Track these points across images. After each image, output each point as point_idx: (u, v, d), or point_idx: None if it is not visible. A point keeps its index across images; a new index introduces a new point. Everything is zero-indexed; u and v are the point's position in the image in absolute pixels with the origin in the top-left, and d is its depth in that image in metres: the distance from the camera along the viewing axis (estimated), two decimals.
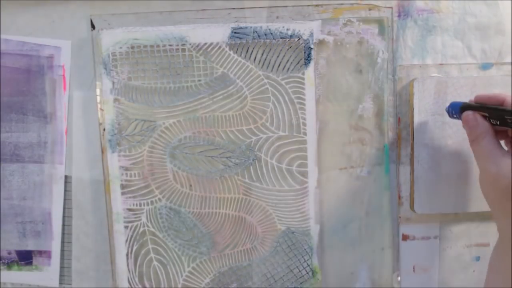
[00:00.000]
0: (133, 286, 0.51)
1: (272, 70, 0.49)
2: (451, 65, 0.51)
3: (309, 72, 0.49)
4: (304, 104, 0.49)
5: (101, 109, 0.50)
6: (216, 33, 0.48)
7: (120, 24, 0.49)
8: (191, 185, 0.50)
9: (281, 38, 0.49)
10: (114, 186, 0.50)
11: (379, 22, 0.49)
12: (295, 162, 0.50)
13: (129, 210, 0.50)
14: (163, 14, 0.49)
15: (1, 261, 0.53)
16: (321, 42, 0.49)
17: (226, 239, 0.51)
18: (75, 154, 0.51)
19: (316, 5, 0.49)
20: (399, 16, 0.50)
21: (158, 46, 0.49)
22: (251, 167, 0.50)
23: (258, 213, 0.51)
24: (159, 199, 0.50)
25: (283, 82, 0.49)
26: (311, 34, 0.49)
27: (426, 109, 0.49)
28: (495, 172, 0.39)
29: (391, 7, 0.49)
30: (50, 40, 0.50)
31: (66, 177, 0.52)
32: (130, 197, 0.50)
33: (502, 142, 0.43)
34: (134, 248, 0.51)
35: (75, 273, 0.53)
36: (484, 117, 0.41)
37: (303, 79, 0.49)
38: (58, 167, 0.51)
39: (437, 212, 0.51)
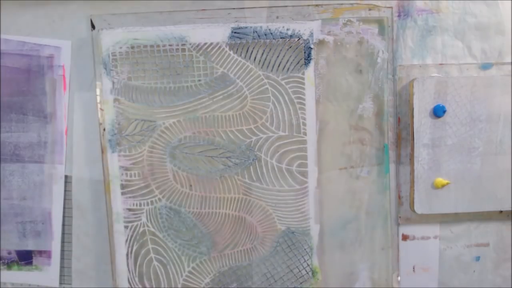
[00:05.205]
0: (133, 286, 0.51)
1: (272, 70, 0.49)
2: (451, 65, 0.51)
3: (309, 72, 0.49)
4: (304, 104, 0.49)
5: (101, 109, 0.50)
6: (216, 33, 0.48)
7: (120, 24, 0.49)
8: (191, 185, 0.50)
9: (281, 38, 0.49)
10: (114, 186, 0.50)
11: (379, 22, 0.49)
12: (295, 162, 0.50)
13: (129, 210, 0.50)
14: (163, 14, 0.49)
15: (1, 261, 0.53)
16: (321, 42, 0.49)
17: (226, 239, 0.51)
18: (75, 154, 0.51)
19: (316, 5, 0.49)
20: (399, 16, 0.50)
21: (158, 46, 0.49)
22: (251, 167, 0.50)
23: (258, 213, 0.51)
24: (159, 199, 0.50)
25: (283, 82, 0.49)
26: (311, 34, 0.49)
27: (426, 109, 0.49)
28: None
29: (391, 7, 0.49)
30: (50, 40, 0.50)
31: (66, 177, 0.52)
32: (130, 197, 0.50)
33: None
34: (134, 248, 0.51)
35: (75, 273, 0.53)
36: None
37: (303, 79, 0.49)
38: (58, 167, 0.51)
39: (437, 212, 0.51)
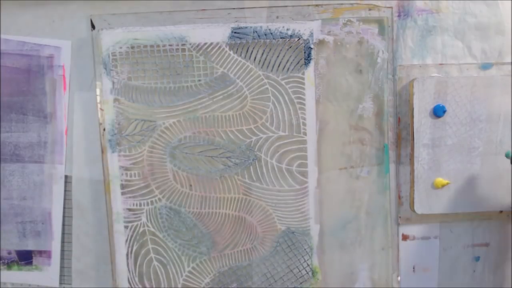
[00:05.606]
0: (133, 286, 0.51)
1: (272, 70, 0.49)
2: (451, 65, 0.51)
3: (309, 72, 0.49)
4: (304, 104, 0.49)
5: (101, 109, 0.50)
6: (216, 33, 0.48)
7: (120, 24, 0.49)
8: (191, 185, 0.50)
9: (281, 38, 0.49)
10: (114, 186, 0.50)
11: (379, 22, 0.49)
12: (295, 162, 0.50)
13: (129, 210, 0.50)
14: (163, 14, 0.49)
15: (1, 261, 0.53)
16: (321, 42, 0.49)
17: (226, 239, 0.51)
18: (75, 154, 0.51)
19: (316, 5, 0.49)
20: (399, 16, 0.50)
21: (158, 46, 0.49)
22: (251, 167, 0.50)
23: (258, 213, 0.51)
24: (159, 199, 0.50)
25: (283, 82, 0.49)
26: (311, 34, 0.49)
27: (426, 109, 0.49)
28: None
29: (391, 7, 0.49)
30: (50, 40, 0.50)
31: (66, 177, 0.52)
32: (130, 197, 0.50)
33: None
34: (134, 248, 0.51)
35: (75, 273, 0.53)
36: None
37: (303, 79, 0.49)
38: (58, 167, 0.51)
39: (437, 212, 0.51)
